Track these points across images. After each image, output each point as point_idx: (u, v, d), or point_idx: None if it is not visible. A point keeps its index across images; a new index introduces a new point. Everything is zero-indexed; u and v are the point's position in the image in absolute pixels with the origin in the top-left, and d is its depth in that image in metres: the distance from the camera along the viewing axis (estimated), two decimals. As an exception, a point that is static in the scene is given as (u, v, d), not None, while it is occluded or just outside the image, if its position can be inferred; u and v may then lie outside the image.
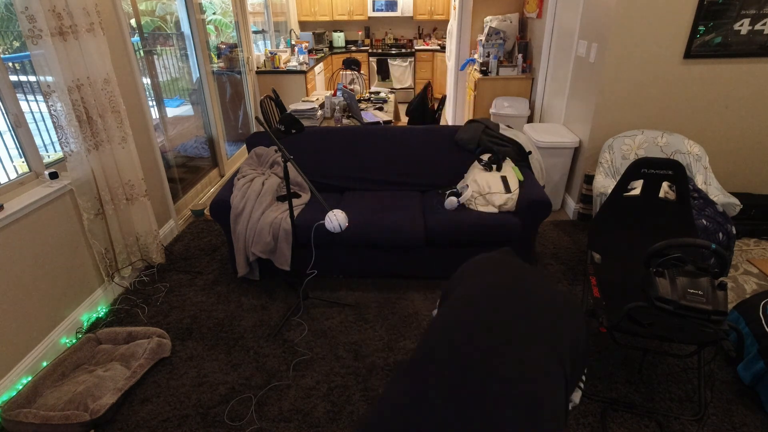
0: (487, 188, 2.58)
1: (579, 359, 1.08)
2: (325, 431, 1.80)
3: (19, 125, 2.10)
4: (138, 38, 3.18)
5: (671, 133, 2.93)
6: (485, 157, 2.81)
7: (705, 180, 2.76)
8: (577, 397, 1.29)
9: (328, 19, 7.00)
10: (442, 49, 6.71)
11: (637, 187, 2.46)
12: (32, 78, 2.25)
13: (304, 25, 7.26)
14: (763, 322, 1.91)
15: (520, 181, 2.68)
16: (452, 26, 5.31)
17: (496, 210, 2.56)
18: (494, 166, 2.72)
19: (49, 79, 2.07)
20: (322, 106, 4.22)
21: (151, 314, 2.48)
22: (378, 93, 4.79)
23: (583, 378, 1.12)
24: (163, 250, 2.90)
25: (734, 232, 2.40)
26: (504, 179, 2.63)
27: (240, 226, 2.52)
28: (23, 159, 2.19)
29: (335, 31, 7.22)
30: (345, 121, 3.90)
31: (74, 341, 2.29)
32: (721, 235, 2.35)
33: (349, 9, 6.93)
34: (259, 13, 5.83)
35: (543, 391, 0.92)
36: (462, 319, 1.06)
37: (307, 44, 6.10)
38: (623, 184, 2.25)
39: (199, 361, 2.16)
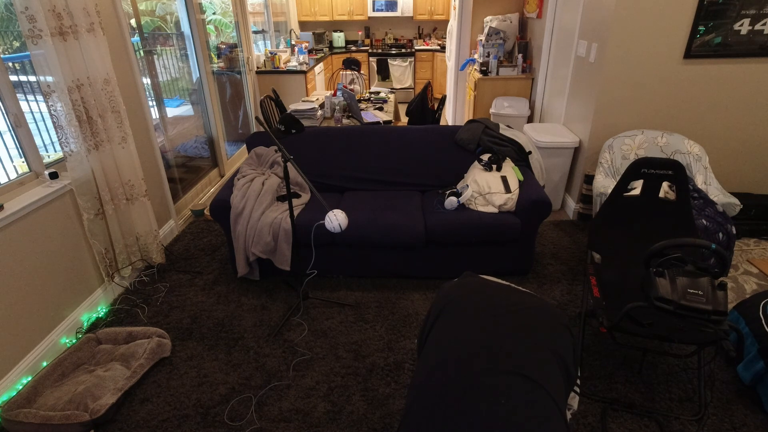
0: (487, 188, 2.58)
1: (572, 362, 1.08)
2: (325, 431, 1.80)
3: (19, 125, 2.10)
4: (138, 38, 3.18)
5: (671, 133, 2.93)
6: (485, 157, 2.81)
7: (705, 180, 2.76)
8: (575, 402, 1.29)
9: (328, 19, 7.00)
10: (442, 49, 6.71)
11: (637, 187, 2.46)
12: (32, 78, 2.24)
13: (304, 25, 7.26)
14: (763, 322, 1.91)
15: (520, 181, 2.68)
16: (452, 26, 5.31)
17: (496, 210, 2.56)
18: (494, 166, 2.72)
19: (49, 79, 2.07)
20: (322, 106, 4.22)
21: (151, 314, 2.48)
22: (378, 93, 4.79)
23: (578, 382, 1.12)
24: (163, 250, 2.90)
25: (734, 232, 2.40)
26: (504, 179, 2.63)
27: (240, 226, 2.52)
28: (23, 159, 2.19)
29: (335, 31, 7.22)
30: (345, 121, 3.90)
31: (74, 341, 2.29)
32: (721, 235, 2.35)
33: (349, 9, 6.93)
34: (259, 13, 5.83)
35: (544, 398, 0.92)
36: (459, 344, 1.05)
37: (307, 44, 6.10)
38: (623, 184, 2.25)
39: (199, 361, 2.16)
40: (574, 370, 1.09)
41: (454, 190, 2.76)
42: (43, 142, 2.45)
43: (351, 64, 5.46)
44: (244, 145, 4.74)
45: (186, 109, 3.91)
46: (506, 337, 1.05)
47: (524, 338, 1.05)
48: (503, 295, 1.20)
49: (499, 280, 1.34)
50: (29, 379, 1.97)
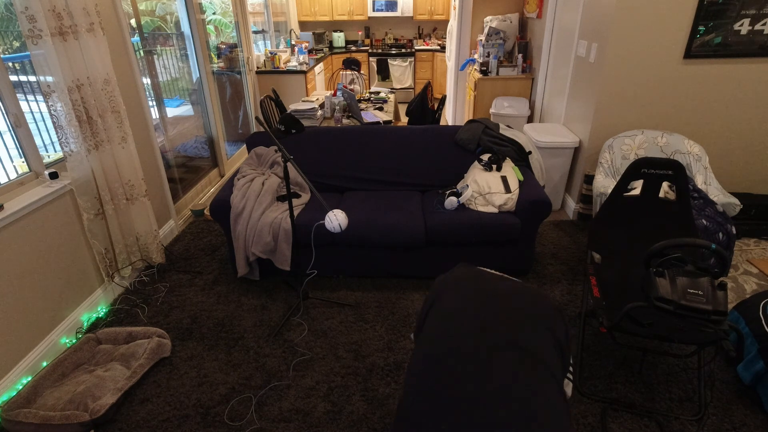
0: (487, 188, 2.58)
1: (566, 344, 1.10)
2: (325, 431, 1.80)
3: (19, 125, 2.10)
4: (138, 38, 3.18)
5: (671, 133, 2.93)
6: (485, 157, 2.81)
7: (705, 180, 2.76)
8: (569, 389, 1.29)
9: (328, 19, 7.00)
10: (442, 49, 6.71)
11: (637, 187, 2.46)
12: (32, 78, 2.24)
13: (304, 25, 7.26)
14: (763, 322, 1.91)
15: (520, 181, 2.68)
16: (452, 26, 5.32)
17: (496, 210, 2.56)
18: (494, 166, 2.72)
19: (49, 79, 2.07)
20: (322, 106, 4.22)
21: (151, 314, 2.48)
22: (378, 93, 4.79)
23: (571, 369, 1.13)
24: (163, 250, 2.90)
25: (734, 232, 2.40)
26: (504, 179, 2.63)
27: (240, 226, 2.52)
28: (23, 159, 2.19)
29: (335, 31, 7.22)
30: (345, 121, 3.90)
31: (74, 341, 2.29)
32: (721, 235, 2.35)
33: (349, 9, 6.93)
34: (259, 13, 5.83)
35: (539, 388, 0.92)
36: (457, 326, 1.06)
37: (307, 44, 6.10)
38: (623, 184, 2.25)
39: (199, 361, 2.16)
40: (567, 353, 1.11)
41: (454, 190, 2.76)
42: (43, 142, 2.45)
43: (351, 64, 5.46)
44: (244, 145, 4.74)
45: (186, 109, 3.91)
46: (505, 317, 1.06)
47: (522, 318, 1.06)
48: (498, 281, 1.22)
49: (493, 271, 1.36)
50: (29, 379, 1.97)
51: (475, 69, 4.75)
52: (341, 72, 5.61)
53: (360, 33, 7.35)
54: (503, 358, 0.95)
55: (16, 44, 2.44)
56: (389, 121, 3.87)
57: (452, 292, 1.19)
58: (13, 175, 2.16)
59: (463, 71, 5.18)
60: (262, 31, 5.95)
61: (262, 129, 4.71)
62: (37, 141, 2.22)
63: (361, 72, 5.67)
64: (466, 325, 1.05)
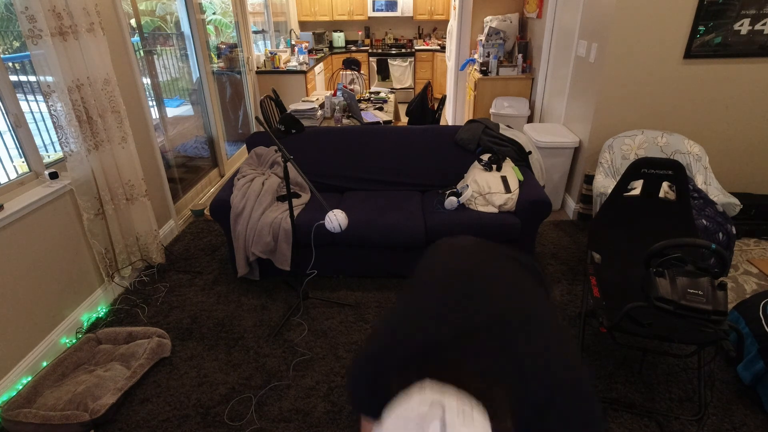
0: (487, 188, 2.58)
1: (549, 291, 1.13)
2: (325, 431, 1.80)
3: (19, 125, 2.10)
4: (138, 38, 3.18)
5: (671, 133, 2.93)
6: (485, 157, 2.81)
7: (705, 180, 2.76)
8: None
9: (328, 19, 7.00)
10: (442, 49, 6.71)
11: (637, 187, 2.46)
12: (32, 78, 2.25)
13: (304, 25, 7.26)
14: (763, 322, 1.91)
15: (520, 181, 2.68)
16: (452, 26, 5.32)
17: (496, 210, 2.56)
18: (494, 166, 2.72)
19: (49, 79, 2.07)
20: (322, 106, 4.22)
21: (151, 314, 2.48)
22: (378, 93, 4.79)
23: None
24: (163, 250, 2.90)
25: (734, 232, 2.40)
26: (504, 179, 2.63)
27: (240, 226, 2.52)
28: (23, 159, 2.19)
29: (335, 31, 7.22)
30: (345, 121, 3.90)
31: (74, 341, 2.29)
32: (721, 235, 2.35)
33: (349, 9, 6.93)
34: (259, 13, 5.83)
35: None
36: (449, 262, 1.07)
37: (307, 44, 6.10)
38: (623, 184, 2.25)
39: (199, 361, 2.16)
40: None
41: (454, 190, 2.76)
42: (43, 142, 2.45)
43: (351, 64, 5.46)
44: (244, 145, 4.73)
45: (186, 109, 3.91)
46: (492, 252, 1.09)
47: (509, 255, 1.08)
48: (487, 243, 1.28)
49: None
50: (29, 379, 1.97)
51: (475, 69, 4.75)
52: (341, 72, 5.60)
53: (360, 33, 7.35)
54: (499, 263, 0.98)
55: (16, 44, 2.44)
56: (389, 121, 3.87)
57: (458, 240, 1.24)
58: (13, 175, 2.16)
59: (463, 71, 5.18)
60: (262, 31, 5.95)
61: (262, 129, 4.71)
62: (37, 141, 2.22)
63: (361, 72, 5.67)
64: (459, 255, 1.07)
